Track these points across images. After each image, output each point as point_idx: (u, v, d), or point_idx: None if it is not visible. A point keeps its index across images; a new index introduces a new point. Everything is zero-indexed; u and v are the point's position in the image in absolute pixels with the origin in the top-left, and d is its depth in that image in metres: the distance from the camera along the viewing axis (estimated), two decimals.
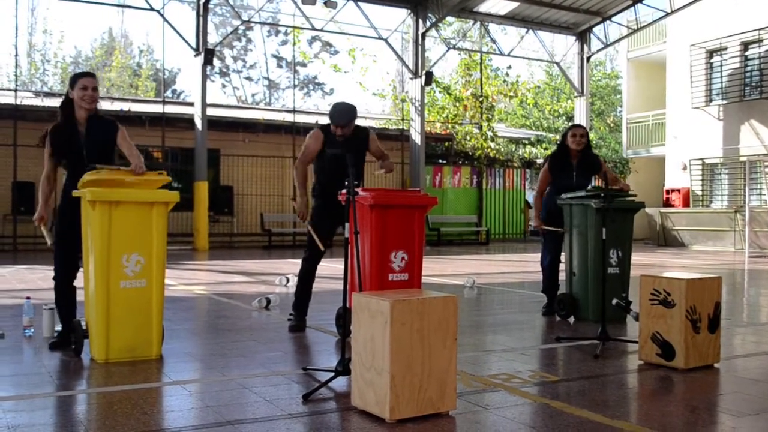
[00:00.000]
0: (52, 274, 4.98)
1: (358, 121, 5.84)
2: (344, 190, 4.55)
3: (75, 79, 4.92)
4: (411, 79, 20.86)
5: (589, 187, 6.62)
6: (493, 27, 23.24)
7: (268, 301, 7.20)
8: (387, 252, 5.18)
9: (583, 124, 22.72)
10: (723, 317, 4.93)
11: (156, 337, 4.68)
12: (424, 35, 20.61)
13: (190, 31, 18.10)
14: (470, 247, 20.47)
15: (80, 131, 4.91)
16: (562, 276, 6.80)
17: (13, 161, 16.63)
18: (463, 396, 3.77)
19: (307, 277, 5.86)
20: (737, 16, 21.03)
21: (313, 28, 20.36)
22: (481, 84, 24.49)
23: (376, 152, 5.92)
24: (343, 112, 5.65)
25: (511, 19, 22.06)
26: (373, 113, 29.52)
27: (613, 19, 22.53)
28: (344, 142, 5.66)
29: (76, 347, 4.74)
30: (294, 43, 25.38)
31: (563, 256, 6.72)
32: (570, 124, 7.25)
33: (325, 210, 5.71)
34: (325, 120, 6.20)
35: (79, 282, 4.94)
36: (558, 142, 7.04)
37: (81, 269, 4.88)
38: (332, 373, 3.96)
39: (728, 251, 18.75)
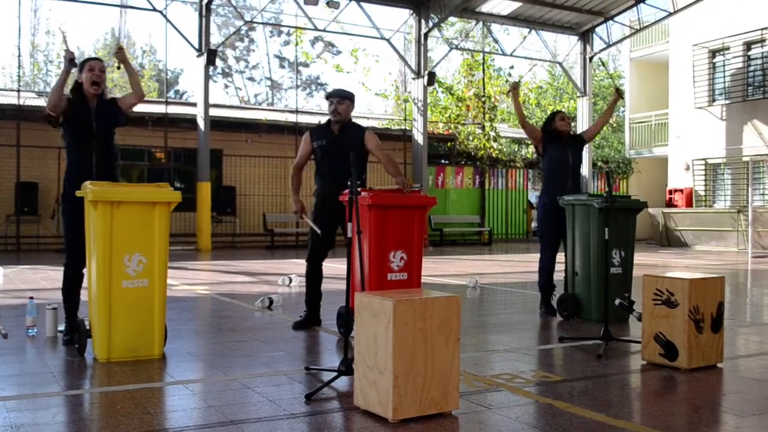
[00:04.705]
0: (56, 274, 5.00)
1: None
2: (346, 190, 4.54)
3: (83, 63, 5.14)
4: (413, 79, 20.85)
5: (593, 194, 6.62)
6: (495, 27, 23.21)
7: (271, 301, 7.21)
8: (386, 252, 5.19)
9: (586, 124, 22.70)
10: (726, 317, 4.92)
11: (158, 336, 4.69)
12: (426, 35, 20.60)
13: (193, 31, 18.12)
14: (473, 247, 20.46)
15: (90, 106, 5.09)
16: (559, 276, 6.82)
17: (17, 161, 16.65)
18: (466, 396, 3.77)
19: (310, 277, 5.86)
20: (740, 16, 21.00)
21: (316, 29, 20.35)
22: (484, 84, 24.49)
23: (377, 150, 5.74)
24: (339, 89, 5.79)
25: (513, 19, 22.05)
26: (375, 113, 29.50)
27: (616, 19, 22.50)
28: (335, 135, 5.67)
29: (80, 347, 4.76)
30: (296, 44, 25.40)
31: (564, 257, 6.73)
32: (552, 111, 7.23)
33: (323, 206, 5.74)
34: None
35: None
36: (543, 127, 6.98)
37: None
38: (335, 373, 3.96)
39: (731, 251, 18.72)
